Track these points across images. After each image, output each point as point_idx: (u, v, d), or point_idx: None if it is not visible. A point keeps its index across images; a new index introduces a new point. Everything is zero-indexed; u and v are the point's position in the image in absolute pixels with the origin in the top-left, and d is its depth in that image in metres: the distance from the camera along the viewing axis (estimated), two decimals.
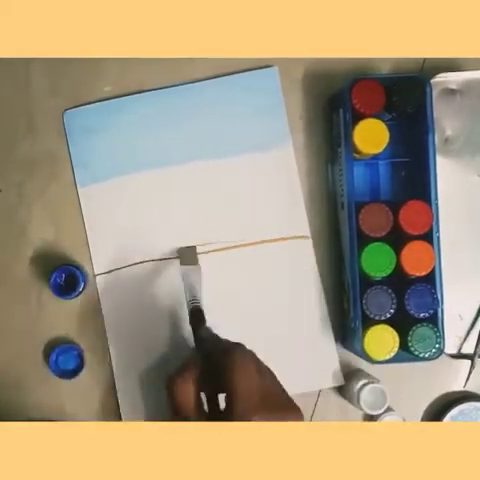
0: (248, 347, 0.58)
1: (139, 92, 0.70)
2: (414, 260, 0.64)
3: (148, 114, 0.70)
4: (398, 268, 0.64)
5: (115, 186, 0.70)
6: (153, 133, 0.70)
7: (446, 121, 0.69)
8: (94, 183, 0.70)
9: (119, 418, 0.70)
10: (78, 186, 0.70)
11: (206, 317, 0.63)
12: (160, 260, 0.70)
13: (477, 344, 0.70)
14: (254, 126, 0.70)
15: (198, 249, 0.69)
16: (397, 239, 0.64)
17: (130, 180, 0.70)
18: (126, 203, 0.70)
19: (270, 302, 0.70)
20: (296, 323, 0.70)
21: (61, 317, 0.70)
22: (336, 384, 0.70)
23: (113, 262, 0.70)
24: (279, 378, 0.67)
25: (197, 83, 0.70)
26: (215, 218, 0.70)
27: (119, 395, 0.70)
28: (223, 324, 0.69)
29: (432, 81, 0.66)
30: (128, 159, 0.70)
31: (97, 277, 0.70)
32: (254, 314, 0.70)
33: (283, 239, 0.70)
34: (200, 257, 0.69)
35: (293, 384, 0.70)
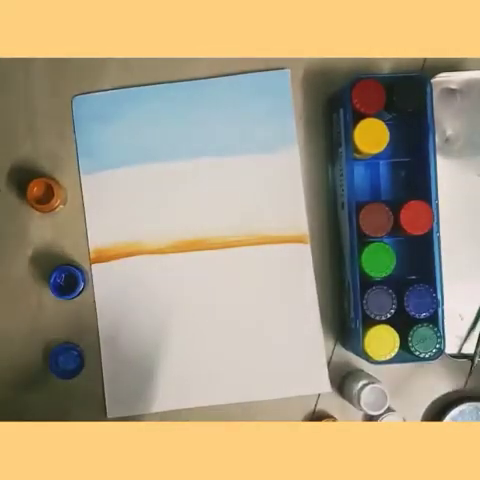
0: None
1: (150, 84, 0.70)
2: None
3: (157, 107, 0.70)
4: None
5: (119, 176, 0.70)
6: (161, 126, 0.70)
7: (446, 121, 0.69)
8: (97, 171, 0.70)
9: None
10: (81, 173, 0.70)
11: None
12: (157, 253, 0.70)
13: (477, 344, 0.69)
14: (262, 127, 0.70)
15: (196, 246, 0.70)
16: (397, 239, 0.64)
17: (134, 172, 0.70)
18: (128, 194, 0.70)
19: (264, 306, 0.70)
20: (287, 328, 0.70)
21: (61, 317, 0.70)
22: (322, 391, 0.70)
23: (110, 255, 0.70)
24: (267, 381, 0.68)
25: (209, 79, 0.70)
26: (216, 215, 0.70)
27: (106, 389, 0.70)
28: (213, 322, 0.70)
29: (432, 81, 0.66)
30: (134, 150, 0.70)
31: (93, 266, 0.70)
32: (246, 316, 0.70)
33: (282, 239, 0.70)
34: (200, 254, 0.70)
35: (279, 387, 0.70)
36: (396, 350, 0.63)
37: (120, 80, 0.70)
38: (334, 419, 0.70)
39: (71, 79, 0.70)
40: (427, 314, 0.64)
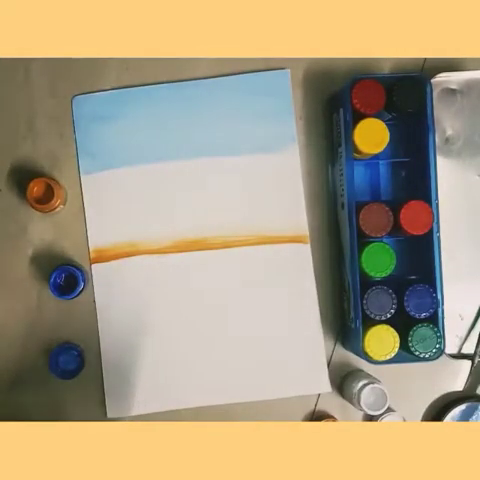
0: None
1: (150, 84, 0.70)
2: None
3: (157, 107, 0.70)
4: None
5: (119, 176, 0.70)
6: (161, 126, 0.70)
7: (446, 121, 0.69)
8: (97, 171, 0.70)
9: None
10: (81, 173, 0.70)
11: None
12: (157, 253, 0.70)
13: (477, 344, 0.69)
14: (262, 127, 0.70)
15: (196, 245, 0.70)
16: (397, 239, 0.64)
17: (134, 172, 0.70)
18: (128, 194, 0.70)
19: (264, 306, 0.70)
20: (287, 328, 0.70)
21: (61, 317, 0.70)
22: (322, 391, 0.70)
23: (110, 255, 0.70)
24: (267, 381, 0.68)
25: (209, 79, 0.70)
26: (216, 214, 0.70)
27: (106, 389, 0.70)
28: (213, 322, 0.69)
29: (432, 81, 0.66)
30: (134, 150, 0.70)
31: (93, 266, 0.70)
32: (246, 315, 0.70)
33: (282, 239, 0.70)
34: (200, 254, 0.70)
35: (279, 387, 0.70)
36: (396, 350, 0.63)
37: (120, 80, 0.70)
38: (334, 419, 0.70)
39: (71, 79, 0.70)
40: (427, 314, 0.64)
